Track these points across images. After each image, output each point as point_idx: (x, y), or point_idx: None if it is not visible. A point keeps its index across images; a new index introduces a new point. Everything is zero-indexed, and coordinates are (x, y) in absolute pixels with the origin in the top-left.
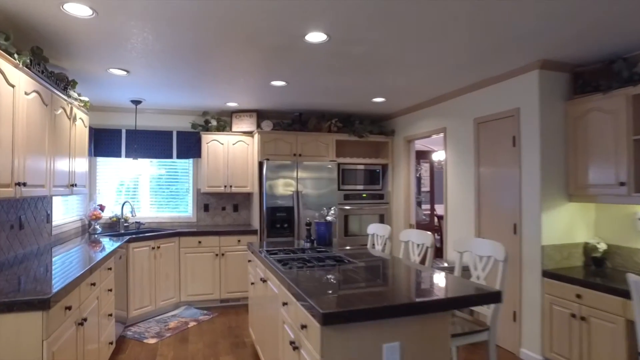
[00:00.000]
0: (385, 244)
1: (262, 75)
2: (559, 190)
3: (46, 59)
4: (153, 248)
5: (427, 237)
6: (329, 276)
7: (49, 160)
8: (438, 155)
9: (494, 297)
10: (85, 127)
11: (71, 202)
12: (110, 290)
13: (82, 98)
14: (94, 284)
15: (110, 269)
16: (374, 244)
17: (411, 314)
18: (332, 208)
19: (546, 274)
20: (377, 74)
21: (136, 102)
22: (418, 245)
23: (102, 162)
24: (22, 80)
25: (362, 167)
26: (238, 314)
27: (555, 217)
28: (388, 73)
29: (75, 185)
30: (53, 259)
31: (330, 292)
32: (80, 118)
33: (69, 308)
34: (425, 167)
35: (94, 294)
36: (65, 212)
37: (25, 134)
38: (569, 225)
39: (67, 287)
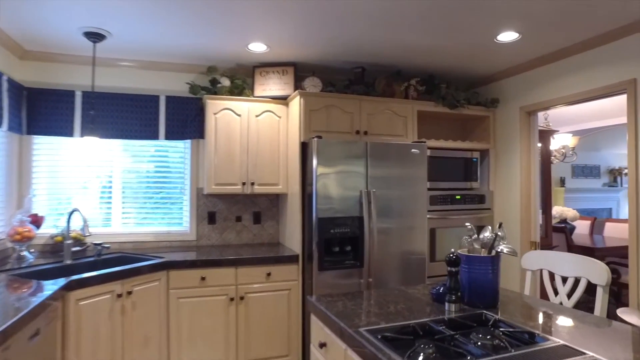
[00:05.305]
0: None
1: None
2: None
3: None
4: (120, 295)
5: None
6: None
7: None
8: (562, 139)
9: None
10: None
11: None
12: None
13: None
14: None
15: None
16: (555, 291)
17: None
18: (500, 226)
19: None
20: None
21: (94, 38)
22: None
23: (43, 143)
24: None
25: (451, 153)
26: None
27: None
28: None
29: None
30: None
31: None
32: None
33: None
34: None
35: None
36: None
37: None
38: None
39: None
